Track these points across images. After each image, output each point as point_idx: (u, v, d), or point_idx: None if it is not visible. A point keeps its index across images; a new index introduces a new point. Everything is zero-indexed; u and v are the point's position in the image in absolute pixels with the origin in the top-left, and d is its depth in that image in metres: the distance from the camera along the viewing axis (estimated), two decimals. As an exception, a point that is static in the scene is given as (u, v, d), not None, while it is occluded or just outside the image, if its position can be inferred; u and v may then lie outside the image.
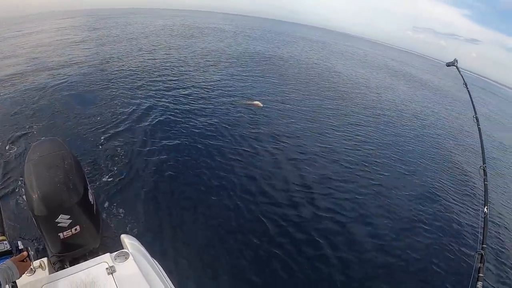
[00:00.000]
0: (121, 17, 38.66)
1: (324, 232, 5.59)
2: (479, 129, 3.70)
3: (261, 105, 10.50)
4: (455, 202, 8.16)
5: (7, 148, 6.33)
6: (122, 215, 4.89)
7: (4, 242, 1.76)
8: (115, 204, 5.10)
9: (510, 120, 29.24)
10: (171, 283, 2.07)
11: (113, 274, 1.92)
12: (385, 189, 7.64)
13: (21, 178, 4.90)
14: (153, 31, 28.21)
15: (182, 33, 29.10)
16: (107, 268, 1.95)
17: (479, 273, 2.08)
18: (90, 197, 2.83)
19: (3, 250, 1.72)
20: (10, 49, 15.89)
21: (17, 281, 1.73)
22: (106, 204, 5.06)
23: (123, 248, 2.46)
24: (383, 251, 5.53)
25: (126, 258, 2.05)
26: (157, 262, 2.25)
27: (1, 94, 9.19)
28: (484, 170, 3.07)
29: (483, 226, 2.51)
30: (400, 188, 7.94)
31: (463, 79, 4.56)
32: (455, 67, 4.49)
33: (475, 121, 3.81)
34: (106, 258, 2.04)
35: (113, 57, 15.45)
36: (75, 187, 2.64)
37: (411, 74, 39.63)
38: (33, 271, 2.09)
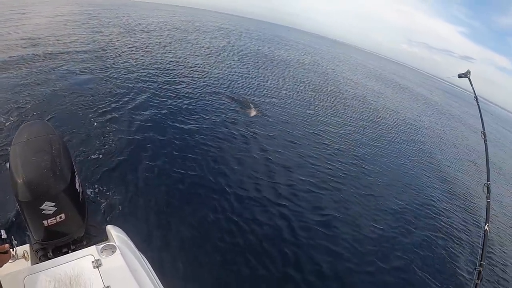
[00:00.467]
0: (119, 9, 38.27)
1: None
2: (486, 145, 3.57)
3: (253, 114, 10.18)
4: (456, 217, 8.22)
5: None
6: (108, 203, 4.80)
7: None
8: (102, 192, 5.01)
9: (496, 135, 29.82)
10: (157, 278, 2.00)
11: (99, 268, 1.84)
12: (383, 202, 7.62)
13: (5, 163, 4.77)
14: (150, 24, 28.05)
15: (179, 29, 29.02)
16: (93, 262, 1.88)
17: None
18: (77, 185, 2.74)
19: None
20: (10, 30, 15.57)
21: (3, 269, 1.67)
22: (93, 192, 4.97)
23: (108, 238, 2.37)
24: (380, 262, 5.49)
25: (113, 252, 1.97)
26: (143, 256, 2.18)
27: None
28: (488, 187, 2.97)
29: (482, 243, 2.47)
30: (398, 201, 7.94)
31: (475, 93, 4.40)
32: (467, 79, 4.28)
33: (483, 137, 3.66)
34: (92, 251, 1.96)
35: (109, 46, 15.29)
36: (62, 174, 2.55)
37: (406, 86, 40.21)
38: (14, 258, 2.00)
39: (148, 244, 4.28)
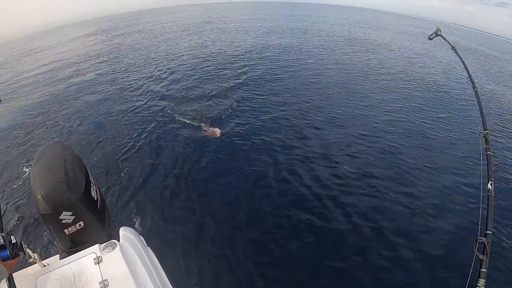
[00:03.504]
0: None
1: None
2: (476, 92, 3.16)
3: (218, 134, 7.85)
4: (450, 176, 6.71)
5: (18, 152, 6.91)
6: (132, 210, 5.05)
7: None
8: (125, 199, 5.34)
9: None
10: (163, 274, 2.05)
11: (99, 264, 1.94)
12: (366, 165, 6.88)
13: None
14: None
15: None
16: (94, 259, 1.98)
17: (481, 267, 1.62)
18: (93, 193, 2.85)
19: None
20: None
21: (18, 274, 1.86)
22: (115, 199, 5.30)
23: None
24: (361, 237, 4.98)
25: (113, 248, 2.06)
26: (151, 254, 2.23)
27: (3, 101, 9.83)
28: (485, 137, 2.49)
29: (486, 206, 1.96)
30: (380, 157, 7.06)
31: (450, 44, 4.24)
32: (440, 37, 4.19)
33: (471, 83, 3.36)
34: (95, 249, 2.07)
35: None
36: (76, 185, 2.67)
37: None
38: (44, 266, 2.13)
39: (166, 246, 4.46)
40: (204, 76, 12.97)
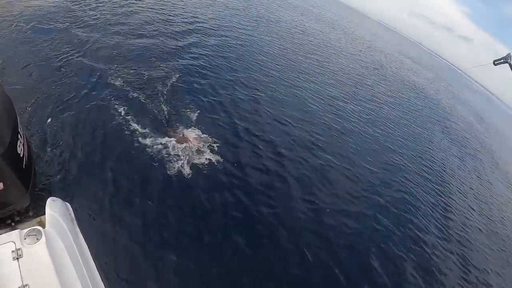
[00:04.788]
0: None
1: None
2: None
3: (193, 140, 5.97)
4: None
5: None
6: (63, 172, 4.27)
7: None
8: (58, 160, 4.44)
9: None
10: (93, 267, 1.71)
11: (19, 259, 1.52)
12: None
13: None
14: None
15: None
16: (13, 251, 1.55)
17: None
18: (20, 149, 2.38)
19: None
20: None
21: None
22: (47, 159, 4.43)
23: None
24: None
25: (38, 239, 1.64)
26: (81, 239, 1.87)
27: None
28: None
29: None
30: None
31: None
32: (508, 64, 3.28)
33: None
34: (14, 237, 1.62)
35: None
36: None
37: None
38: None
39: (94, 219, 3.95)
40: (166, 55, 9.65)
